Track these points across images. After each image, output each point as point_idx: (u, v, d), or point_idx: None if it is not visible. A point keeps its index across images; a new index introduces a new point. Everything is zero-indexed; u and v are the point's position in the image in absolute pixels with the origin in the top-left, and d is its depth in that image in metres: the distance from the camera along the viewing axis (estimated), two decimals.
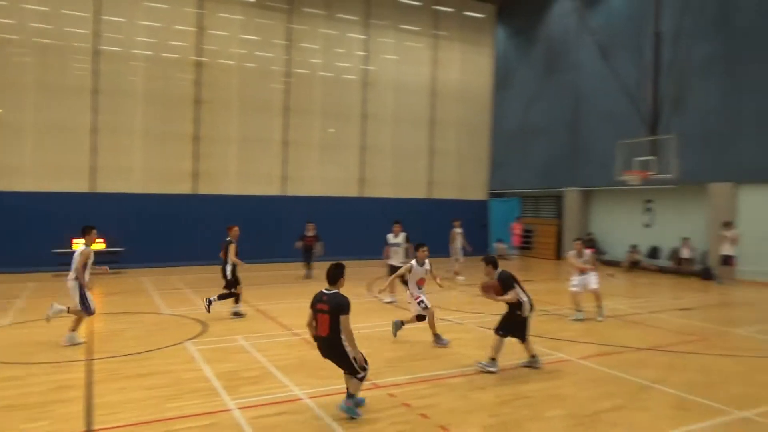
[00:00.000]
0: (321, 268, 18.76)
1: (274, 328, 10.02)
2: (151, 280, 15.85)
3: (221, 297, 10.87)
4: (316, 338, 5.99)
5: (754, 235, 16.98)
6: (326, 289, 5.93)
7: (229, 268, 10.92)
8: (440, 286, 9.74)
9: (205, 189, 20.15)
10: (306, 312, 6.06)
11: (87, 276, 8.63)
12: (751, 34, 17.24)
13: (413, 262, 9.39)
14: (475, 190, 26.34)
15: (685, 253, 18.83)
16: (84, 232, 8.77)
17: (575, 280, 11.18)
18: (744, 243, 16.64)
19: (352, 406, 5.84)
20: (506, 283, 7.61)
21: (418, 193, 24.59)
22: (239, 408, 5.98)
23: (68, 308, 8.64)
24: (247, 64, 20.84)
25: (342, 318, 5.72)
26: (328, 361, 7.79)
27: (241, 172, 20.79)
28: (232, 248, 10.96)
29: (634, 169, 17.65)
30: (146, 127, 19.22)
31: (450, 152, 25.40)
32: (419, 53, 24.56)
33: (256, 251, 20.59)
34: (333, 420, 5.70)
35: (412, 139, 24.35)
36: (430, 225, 20.93)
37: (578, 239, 11.67)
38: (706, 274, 17.89)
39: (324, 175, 22.42)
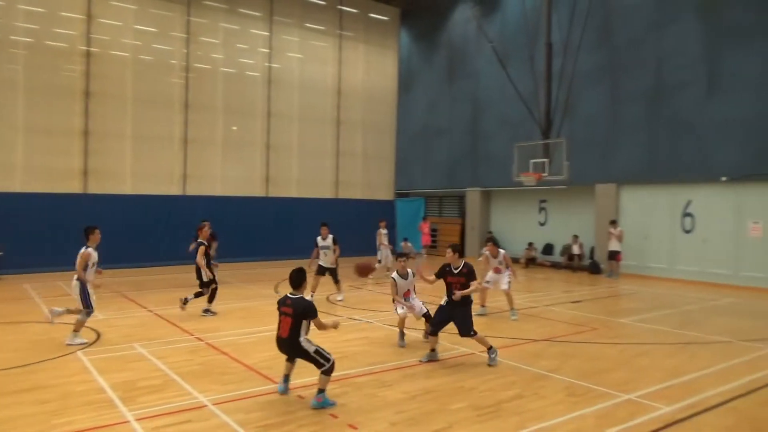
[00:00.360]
0: (225, 269, 18.20)
1: (176, 333, 9.60)
2: (35, 286, 14.66)
3: (197, 295, 11.05)
4: (278, 339, 6.33)
5: (635, 232, 18.53)
6: (291, 293, 6.32)
7: (203, 271, 10.97)
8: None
9: (97, 188, 18.90)
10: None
11: (91, 276, 8.79)
12: (628, 49, 18.83)
13: (395, 275, 8.99)
14: (381, 190, 26.66)
15: (575, 250, 20.17)
16: (86, 233, 8.88)
17: (488, 276, 11.61)
18: (626, 239, 18.09)
19: (323, 401, 6.11)
20: (473, 273, 8.05)
21: (325, 193, 24.52)
22: (138, 419, 5.66)
23: (68, 309, 8.79)
24: (143, 56, 19.80)
25: (313, 321, 6.19)
26: (233, 366, 7.61)
27: (137, 171, 19.70)
28: (200, 251, 10.97)
29: (529, 170, 18.63)
30: (28, 121, 17.74)
31: (356, 152, 25.54)
32: (324, 52, 24.49)
33: (156, 253, 19.69)
34: (239, 425, 5.55)
35: (318, 139, 24.23)
36: (338, 225, 20.91)
37: (489, 240, 12.09)
38: (594, 269, 19.27)
39: (228, 174, 21.77)
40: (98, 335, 9.26)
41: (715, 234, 16.79)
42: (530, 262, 21.34)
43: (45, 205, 17.81)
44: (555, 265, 20.88)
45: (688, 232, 17.45)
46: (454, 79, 25.29)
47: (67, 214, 18.21)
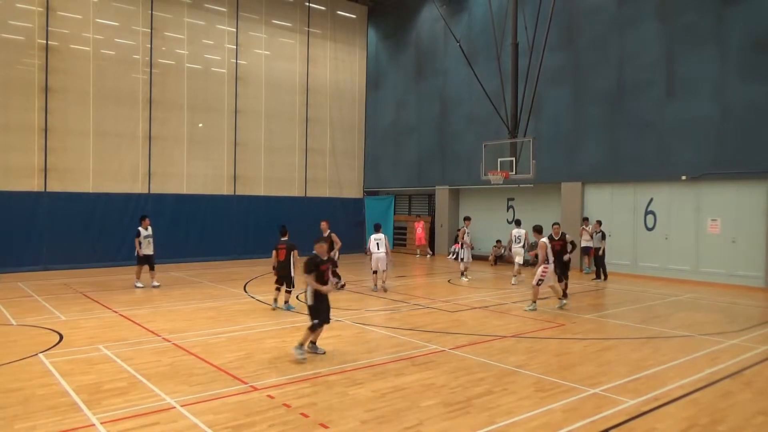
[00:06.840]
0: (193, 268, 17.85)
1: (141, 334, 9.40)
2: None
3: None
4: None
5: None
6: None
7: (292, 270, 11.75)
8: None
9: (58, 186, 18.33)
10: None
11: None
12: (591, 50, 19.21)
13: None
14: (351, 189, 26.58)
15: None
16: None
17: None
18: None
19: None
20: None
21: (293, 191, 24.32)
22: (104, 422, 5.53)
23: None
24: (105, 51, 19.27)
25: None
26: (201, 366, 7.49)
27: (99, 169, 19.16)
28: (295, 253, 11.66)
29: (497, 169, 18.82)
30: None
31: (324, 150, 25.40)
32: (292, 49, 24.27)
33: (119, 253, 19.24)
34: (208, 426, 5.47)
35: (286, 137, 24.00)
36: (306, 223, 20.77)
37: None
38: None
39: (194, 172, 21.37)
40: (61, 337, 9.02)
41: (676, 231, 17.28)
42: (498, 259, 21.58)
43: (2, 204, 17.24)
44: (522, 263, 21.09)
45: (650, 229, 17.91)
46: (422, 78, 25.39)
47: (25, 213, 17.67)
